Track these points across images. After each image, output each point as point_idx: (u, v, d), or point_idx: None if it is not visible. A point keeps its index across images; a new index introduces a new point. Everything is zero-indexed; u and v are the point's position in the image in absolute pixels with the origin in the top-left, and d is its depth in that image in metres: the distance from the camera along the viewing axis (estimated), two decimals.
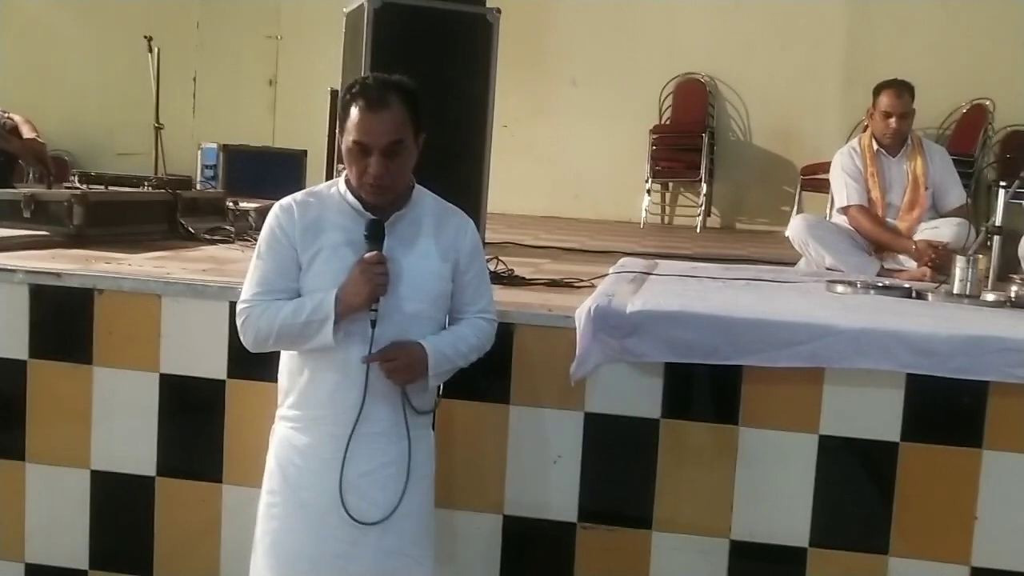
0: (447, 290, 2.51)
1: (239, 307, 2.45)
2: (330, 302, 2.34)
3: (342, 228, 2.42)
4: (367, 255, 2.35)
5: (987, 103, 8.03)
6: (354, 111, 2.35)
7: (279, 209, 2.46)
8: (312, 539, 2.44)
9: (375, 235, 2.37)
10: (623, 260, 4.38)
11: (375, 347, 2.37)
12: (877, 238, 4.92)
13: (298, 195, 2.50)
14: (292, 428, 2.48)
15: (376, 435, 2.42)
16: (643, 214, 8.37)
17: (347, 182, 2.46)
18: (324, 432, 2.43)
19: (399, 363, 2.39)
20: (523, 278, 3.76)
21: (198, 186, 6.97)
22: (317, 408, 2.44)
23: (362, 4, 4.53)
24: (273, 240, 2.43)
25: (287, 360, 2.51)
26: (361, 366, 2.38)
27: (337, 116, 2.44)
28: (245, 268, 2.53)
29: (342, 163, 2.47)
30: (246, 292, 2.45)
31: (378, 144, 2.34)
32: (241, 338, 2.46)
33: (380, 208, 2.42)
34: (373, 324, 2.36)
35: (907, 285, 4.07)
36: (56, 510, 3.22)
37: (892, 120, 4.93)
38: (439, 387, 2.60)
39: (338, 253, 2.40)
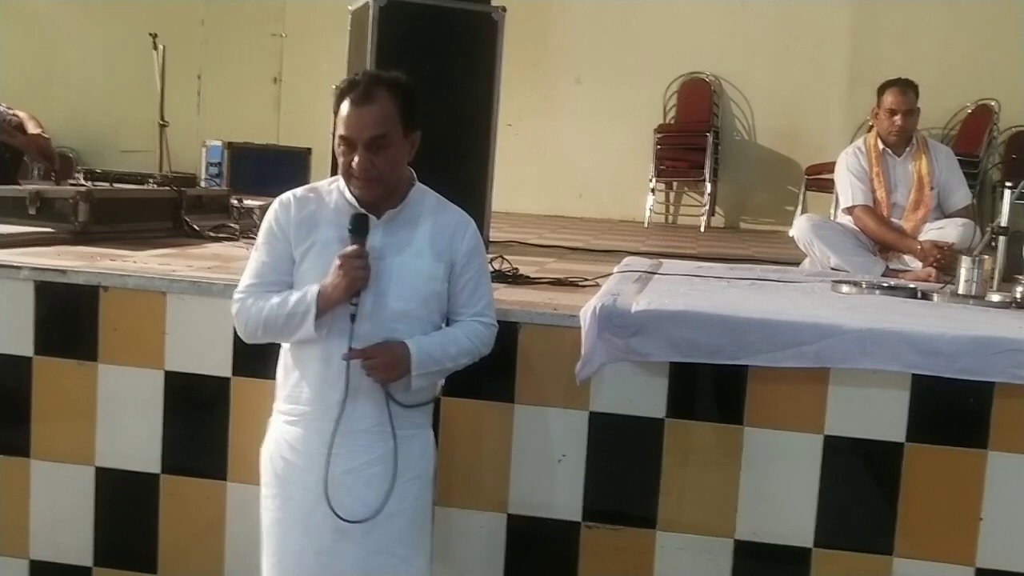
0: (440, 291, 2.49)
1: (234, 297, 2.51)
2: (313, 294, 2.37)
3: (335, 224, 2.43)
4: (347, 248, 2.36)
5: (992, 103, 8.01)
6: (342, 107, 2.38)
7: (277, 204, 2.50)
8: (298, 534, 2.46)
9: (358, 229, 2.37)
10: (627, 259, 4.38)
11: (360, 343, 2.37)
12: (882, 238, 4.91)
13: (298, 191, 2.53)
14: (285, 422, 2.51)
15: (360, 432, 2.42)
16: (647, 213, 8.35)
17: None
18: (311, 427, 2.45)
19: (379, 361, 2.39)
20: (528, 277, 3.75)
21: (202, 183, 6.96)
22: (305, 403, 2.47)
23: (367, 2, 4.52)
24: (269, 234, 2.49)
25: (283, 355, 2.54)
26: (343, 362, 2.38)
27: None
28: None
29: None
30: (242, 283, 2.50)
31: (361, 138, 2.35)
32: (235, 328, 2.53)
33: (374, 205, 2.42)
34: (352, 318, 2.36)
35: (912, 285, 4.07)
36: (61, 507, 3.22)
37: (897, 117, 4.92)
38: (440, 385, 2.59)
39: (329, 248, 2.41)
